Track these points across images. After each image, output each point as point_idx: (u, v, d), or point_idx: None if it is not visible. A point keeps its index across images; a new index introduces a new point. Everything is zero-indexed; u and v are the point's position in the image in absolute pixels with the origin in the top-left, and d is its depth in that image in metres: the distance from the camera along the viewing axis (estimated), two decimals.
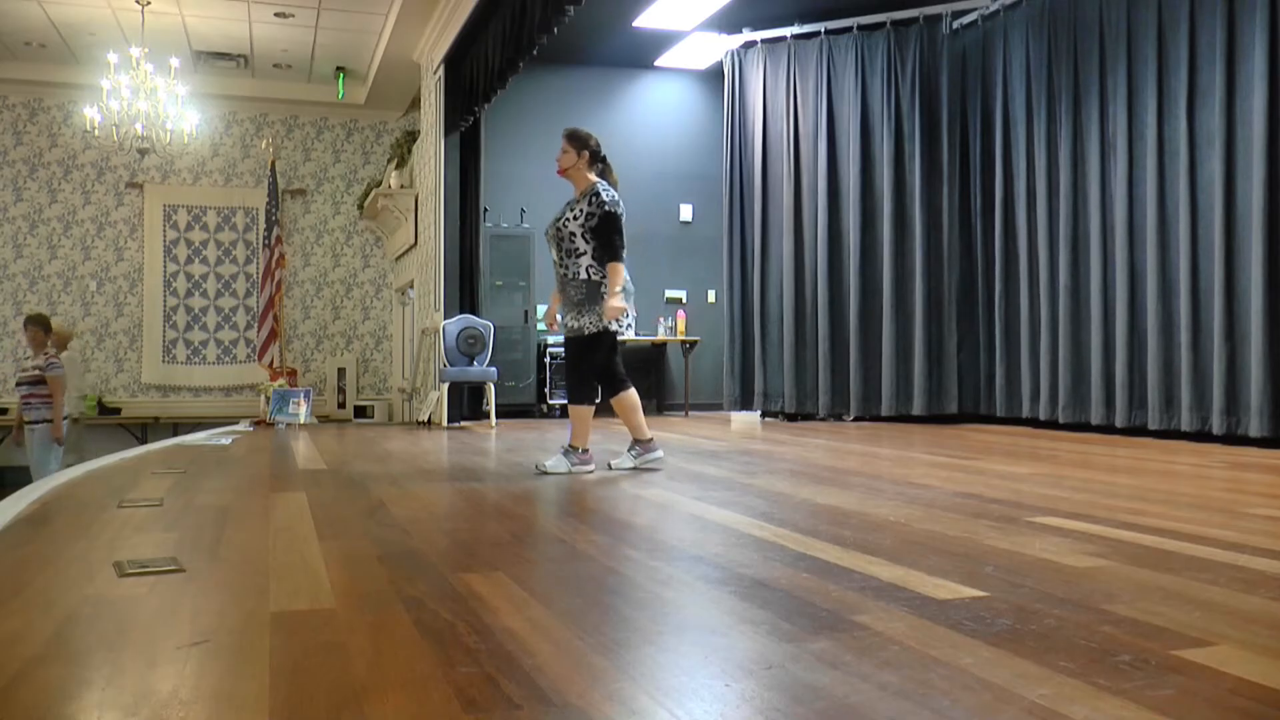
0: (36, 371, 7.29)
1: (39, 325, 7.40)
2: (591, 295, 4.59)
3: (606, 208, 4.57)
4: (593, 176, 4.70)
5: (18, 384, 7.51)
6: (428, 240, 9.64)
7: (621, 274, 4.58)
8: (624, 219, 4.64)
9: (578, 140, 4.73)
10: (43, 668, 1.70)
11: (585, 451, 4.66)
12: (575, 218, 4.61)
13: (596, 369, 4.67)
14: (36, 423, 7.27)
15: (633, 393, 4.71)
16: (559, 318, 4.83)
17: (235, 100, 11.27)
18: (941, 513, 3.31)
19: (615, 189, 4.72)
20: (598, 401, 4.73)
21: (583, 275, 4.60)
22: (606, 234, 4.57)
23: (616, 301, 4.53)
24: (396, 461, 5.35)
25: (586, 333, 4.59)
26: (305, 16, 9.07)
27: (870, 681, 1.57)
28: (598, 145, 4.75)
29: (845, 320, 8.47)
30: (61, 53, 10.03)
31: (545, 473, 4.57)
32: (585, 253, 4.60)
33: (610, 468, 4.71)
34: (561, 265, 4.67)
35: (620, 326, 4.63)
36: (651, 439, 4.78)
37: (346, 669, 1.68)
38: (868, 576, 2.33)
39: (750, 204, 9.00)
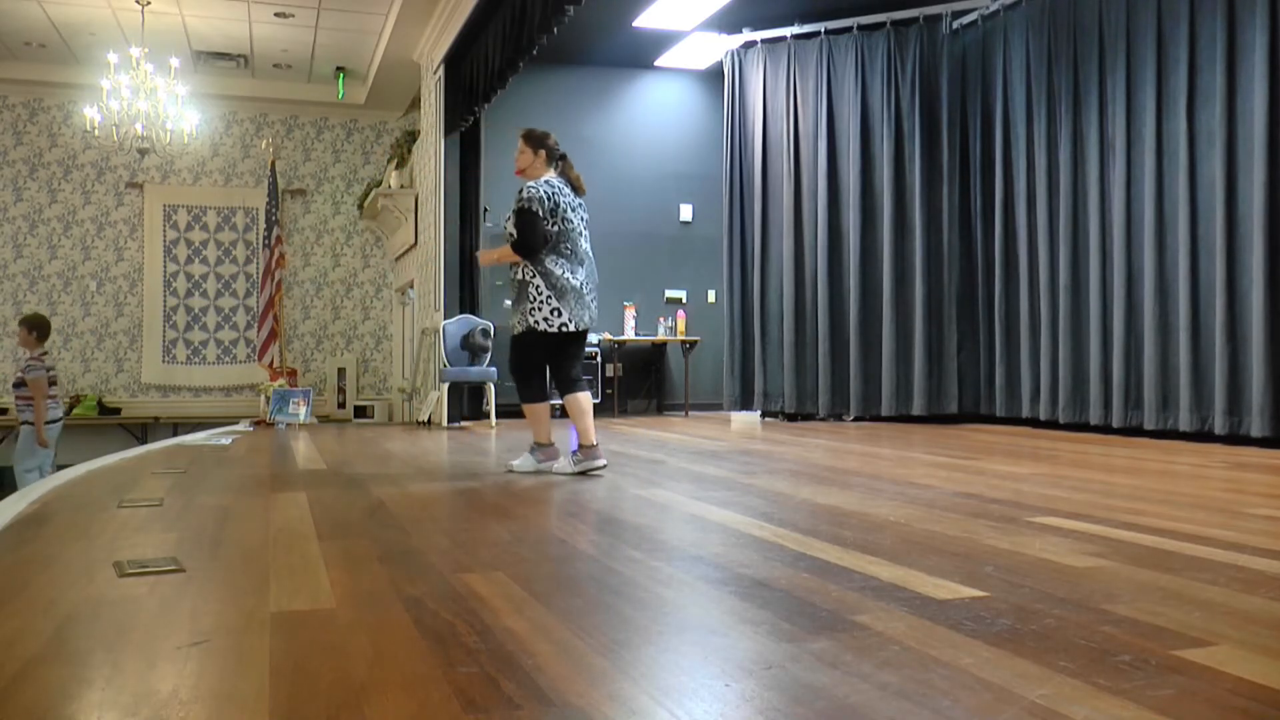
0: (19, 374, 7.27)
1: (24, 325, 7.34)
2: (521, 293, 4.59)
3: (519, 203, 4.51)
4: (552, 173, 4.62)
5: (13, 385, 7.50)
6: (428, 240, 9.63)
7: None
8: (541, 212, 4.45)
9: (533, 140, 4.65)
10: (43, 668, 1.70)
11: (550, 446, 4.66)
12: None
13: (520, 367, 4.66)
14: (23, 424, 7.25)
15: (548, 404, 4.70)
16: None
17: (235, 100, 11.27)
18: (941, 513, 3.31)
19: (567, 181, 4.61)
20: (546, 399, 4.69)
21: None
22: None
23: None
24: (396, 461, 5.35)
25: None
26: (305, 16, 9.07)
27: (870, 681, 1.57)
28: (555, 143, 4.67)
29: (845, 320, 8.46)
30: (61, 53, 10.03)
31: (512, 470, 4.66)
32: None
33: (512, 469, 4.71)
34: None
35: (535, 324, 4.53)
36: (554, 444, 4.69)
37: (346, 669, 1.68)
38: (868, 576, 2.33)
39: (750, 204, 8.99)
